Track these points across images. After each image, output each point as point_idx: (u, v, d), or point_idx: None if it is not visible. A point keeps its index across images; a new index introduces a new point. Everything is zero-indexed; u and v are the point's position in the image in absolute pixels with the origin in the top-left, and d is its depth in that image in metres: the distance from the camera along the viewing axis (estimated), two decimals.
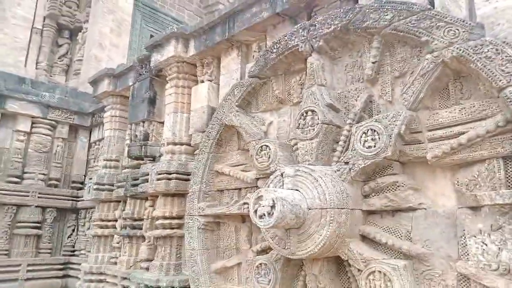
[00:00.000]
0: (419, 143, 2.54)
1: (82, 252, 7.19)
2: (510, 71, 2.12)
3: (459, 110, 2.40)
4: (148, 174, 4.66)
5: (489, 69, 2.19)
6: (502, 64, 2.15)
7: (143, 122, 5.34)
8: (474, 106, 2.35)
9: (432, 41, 2.45)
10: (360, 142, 2.65)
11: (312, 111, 2.97)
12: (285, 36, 3.32)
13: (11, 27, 8.50)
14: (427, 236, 2.47)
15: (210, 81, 4.53)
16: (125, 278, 4.95)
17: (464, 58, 2.30)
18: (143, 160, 5.15)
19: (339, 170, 2.73)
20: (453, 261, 2.34)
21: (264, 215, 2.46)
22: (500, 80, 2.15)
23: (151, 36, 9.64)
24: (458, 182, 2.40)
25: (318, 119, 2.91)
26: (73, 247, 7.60)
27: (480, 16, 2.48)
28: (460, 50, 2.31)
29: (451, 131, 2.41)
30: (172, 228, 4.39)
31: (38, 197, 7.29)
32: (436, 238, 2.44)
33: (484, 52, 2.22)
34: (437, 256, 2.41)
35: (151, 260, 4.54)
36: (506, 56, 2.14)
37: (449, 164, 2.43)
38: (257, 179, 3.43)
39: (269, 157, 3.19)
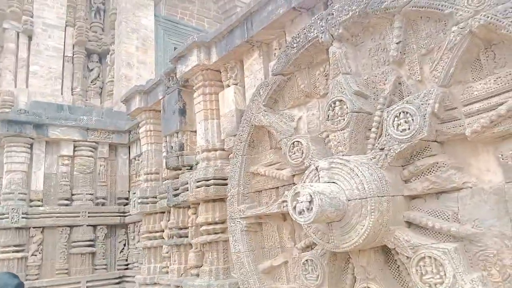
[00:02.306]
0: (456, 120, 2.42)
1: (135, 265, 7.44)
2: None
3: (494, 80, 2.27)
4: (187, 183, 4.75)
5: None
6: None
7: (177, 133, 5.45)
8: (510, 74, 2.21)
9: (456, 12, 2.33)
10: (394, 126, 2.57)
11: (340, 100, 2.92)
12: (304, 29, 3.29)
13: (45, 59, 8.98)
14: (476, 215, 2.34)
15: (236, 84, 4.56)
16: (178, 286, 5.07)
17: (494, 25, 2.18)
18: (181, 170, 5.27)
19: (374, 158, 2.67)
20: (508, 239, 2.21)
21: (303, 211, 2.44)
22: None
23: (175, 48, 9.84)
24: (502, 155, 2.27)
25: (347, 108, 2.85)
26: (126, 260, 7.89)
27: None
28: (488, 17, 2.19)
29: (488, 103, 2.28)
30: (217, 233, 4.45)
31: (88, 216, 7.64)
32: (486, 217, 2.31)
33: None
34: (489, 235, 2.28)
35: (200, 266, 4.63)
36: None
37: (491, 138, 2.30)
38: (293, 175, 3.41)
39: (302, 153, 3.17)
